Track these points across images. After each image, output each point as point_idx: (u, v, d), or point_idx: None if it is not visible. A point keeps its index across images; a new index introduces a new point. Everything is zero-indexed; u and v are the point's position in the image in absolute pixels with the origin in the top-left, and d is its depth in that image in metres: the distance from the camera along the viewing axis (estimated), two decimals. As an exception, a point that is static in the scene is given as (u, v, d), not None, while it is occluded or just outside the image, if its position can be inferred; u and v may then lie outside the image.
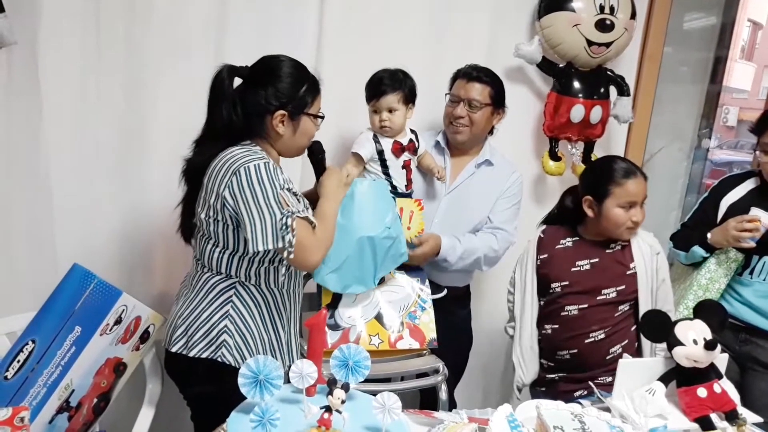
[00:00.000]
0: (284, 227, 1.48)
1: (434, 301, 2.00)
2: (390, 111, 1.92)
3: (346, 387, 1.06)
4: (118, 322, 1.71)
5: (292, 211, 1.50)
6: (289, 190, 1.54)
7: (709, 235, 2.05)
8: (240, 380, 1.08)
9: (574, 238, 1.97)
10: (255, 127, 1.59)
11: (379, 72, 1.96)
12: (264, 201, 1.48)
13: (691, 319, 1.52)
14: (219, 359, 1.59)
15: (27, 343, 1.66)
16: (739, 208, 2.05)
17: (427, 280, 1.99)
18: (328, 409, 1.04)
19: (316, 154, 1.79)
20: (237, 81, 1.62)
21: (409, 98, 1.96)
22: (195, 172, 1.62)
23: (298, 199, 1.60)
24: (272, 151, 1.64)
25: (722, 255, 2.06)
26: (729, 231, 1.98)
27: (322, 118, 1.67)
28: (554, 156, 2.53)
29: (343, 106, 2.24)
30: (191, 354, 1.60)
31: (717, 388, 1.46)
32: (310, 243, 1.54)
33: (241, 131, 1.59)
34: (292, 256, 1.51)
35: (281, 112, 1.58)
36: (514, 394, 2.08)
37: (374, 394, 1.09)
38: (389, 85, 1.92)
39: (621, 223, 1.87)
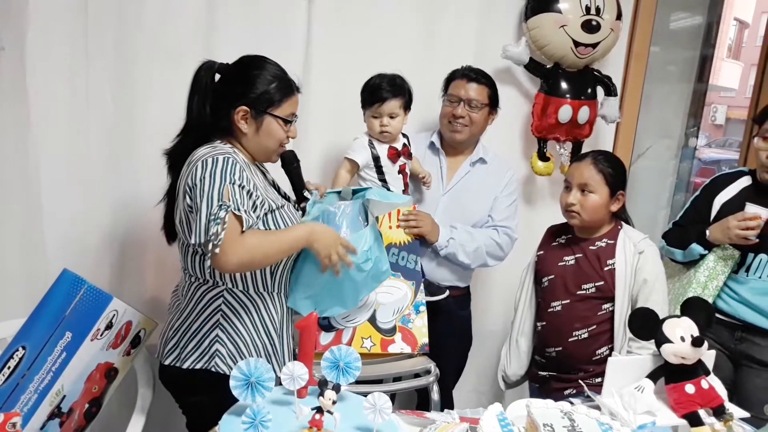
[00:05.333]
0: (215, 218, 1.42)
1: (435, 301, 2.02)
2: (391, 116, 1.94)
3: (337, 388, 1.07)
4: (108, 327, 1.70)
5: (228, 204, 1.43)
6: (241, 186, 1.48)
7: (707, 232, 2.06)
8: (231, 383, 1.08)
9: (568, 235, 2.00)
10: (221, 123, 1.58)
11: (375, 77, 1.97)
12: (208, 193, 1.44)
13: (678, 317, 1.53)
14: (213, 369, 1.58)
15: (17, 350, 1.65)
16: (733, 206, 2.06)
17: (422, 284, 1.99)
18: (319, 410, 1.05)
19: (288, 163, 1.75)
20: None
21: (408, 104, 1.98)
22: (173, 162, 1.62)
23: (259, 202, 1.54)
24: (244, 152, 1.61)
25: (720, 252, 2.06)
26: (731, 229, 1.98)
27: (288, 122, 1.61)
28: (543, 156, 2.55)
29: (331, 109, 2.25)
30: (185, 366, 1.60)
31: (704, 384, 1.47)
32: (230, 241, 1.43)
33: (209, 127, 1.58)
34: (217, 250, 1.42)
35: (243, 107, 1.55)
36: (500, 385, 2.13)
37: (366, 395, 1.10)
38: (390, 91, 1.93)
39: (561, 204, 1.94)
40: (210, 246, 1.43)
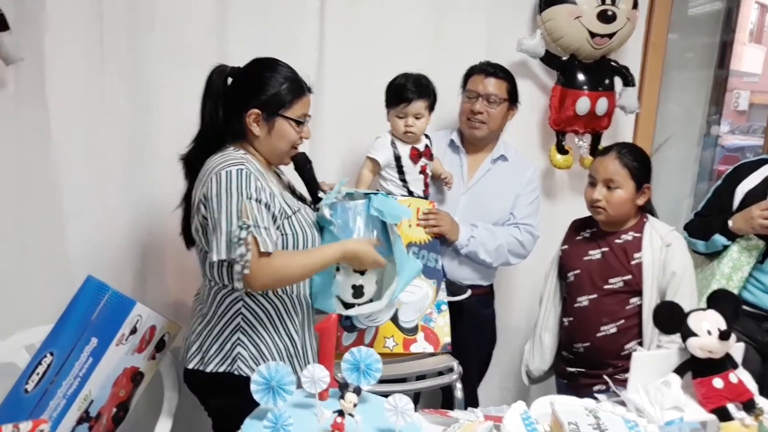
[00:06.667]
0: (237, 239, 1.43)
1: (458, 301, 2.01)
2: (416, 117, 1.94)
3: (357, 390, 1.07)
4: (133, 331, 1.73)
5: (248, 224, 1.44)
6: (258, 201, 1.49)
7: (730, 223, 2.02)
8: (252, 387, 1.08)
9: (592, 229, 1.98)
10: (234, 127, 1.58)
11: (400, 77, 1.96)
12: (226, 209, 1.45)
13: (704, 310, 1.51)
14: (236, 372, 1.59)
15: (45, 356, 1.69)
16: (757, 195, 2.02)
17: (443, 283, 1.99)
18: (340, 413, 1.05)
19: (301, 166, 1.75)
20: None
21: (433, 105, 1.98)
22: (189, 167, 1.64)
23: (277, 211, 1.54)
24: (258, 155, 1.61)
25: (744, 242, 2.02)
26: (755, 219, 1.95)
27: (300, 123, 1.60)
28: (561, 149, 2.52)
29: (344, 107, 2.25)
30: (208, 369, 1.61)
31: (733, 378, 1.44)
32: (255, 262, 1.45)
33: (222, 131, 1.58)
34: (246, 271, 1.44)
35: (254, 110, 1.55)
36: (524, 380, 2.12)
37: (389, 394, 1.10)
38: (416, 92, 1.92)
39: (586, 199, 1.92)
40: (240, 267, 1.45)
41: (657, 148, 2.89)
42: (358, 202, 1.69)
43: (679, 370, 1.47)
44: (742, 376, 1.47)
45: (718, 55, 3.15)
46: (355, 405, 1.05)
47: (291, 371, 1.08)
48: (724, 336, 1.42)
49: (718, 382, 1.43)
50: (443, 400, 2.28)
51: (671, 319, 1.51)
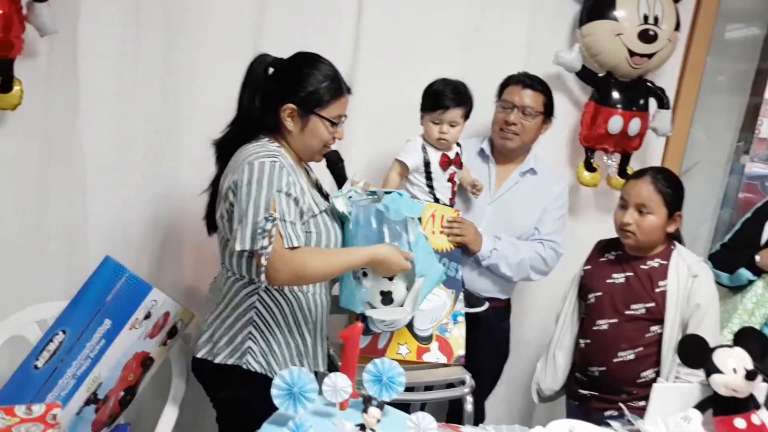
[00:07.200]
0: (262, 231, 1.42)
1: (475, 313, 1.98)
2: (451, 125, 1.91)
3: (381, 405, 1.04)
4: (147, 316, 1.71)
5: (275, 216, 1.44)
6: (288, 195, 1.48)
7: (757, 258, 2.00)
8: (273, 392, 1.05)
9: (618, 252, 1.94)
10: (269, 119, 1.56)
11: (439, 83, 1.93)
12: (254, 200, 1.44)
13: (730, 346, 1.47)
14: (244, 366, 1.57)
15: (57, 333, 1.68)
16: None
17: (462, 293, 1.96)
18: (362, 427, 1.03)
19: (333, 164, 1.73)
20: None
21: (469, 113, 1.95)
22: (221, 152, 1.62)
23: (305, 207, 1.53)
24: (290, 150, 1.60)
25: None
26: None
27: (335, 123, 1.58)
28: (589, 167, 2.48)
29: (376, 109, 2.22)
30: (216, 360, 1.59)
31: (756, 419, 1.41)
32: (278, 256, 1.43)
33: (258, 122, 1.57)
34: (265, 263, 1.43)
35: (290, 105, 1.53)
36: (533, 398, 2.09)
37: (400, 403, 1.07)
38: (455, 100, 1.89)
39: (615, 222, 1.89)
40: (262, 259, 1.43)
41: (684, 173, 2.84)
42: (377, 205, 1.67)
43: (701, 406, 1.44)
44: (764, 417, 1.44)
45: (753, 82, 3.09)
46: (378, 420, 1.02)
47: (314, 378, 1.06)
48: (750, 376, 1.39)
49: (740, 422, 1.40)
50: (450, 411, 2.25)
51: (696, 353, 1.48)
